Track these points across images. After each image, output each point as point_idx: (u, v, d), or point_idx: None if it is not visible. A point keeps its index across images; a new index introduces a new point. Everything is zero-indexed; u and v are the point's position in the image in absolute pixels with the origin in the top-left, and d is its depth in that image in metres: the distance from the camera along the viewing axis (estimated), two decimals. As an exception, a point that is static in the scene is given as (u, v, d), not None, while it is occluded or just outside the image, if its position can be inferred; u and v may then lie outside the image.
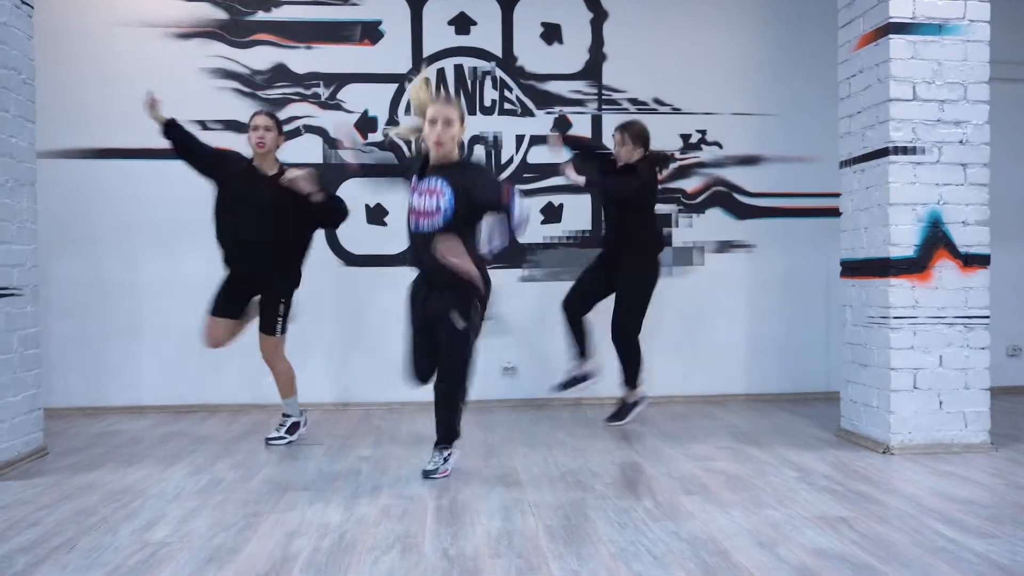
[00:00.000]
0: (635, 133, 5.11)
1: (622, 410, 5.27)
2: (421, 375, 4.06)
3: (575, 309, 5.23)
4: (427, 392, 4.07)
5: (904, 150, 4.44)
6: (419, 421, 5.30)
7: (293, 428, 4.78)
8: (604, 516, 3.32)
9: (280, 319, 4.63)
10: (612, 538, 3.05)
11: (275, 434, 4.75)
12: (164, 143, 4.68)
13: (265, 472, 4.10)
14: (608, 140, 6.15)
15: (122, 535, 3.12)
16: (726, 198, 6.27)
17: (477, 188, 3.76)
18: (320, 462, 4.32)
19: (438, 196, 3.76)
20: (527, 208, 3.73)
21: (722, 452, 4.45)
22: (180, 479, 3.96)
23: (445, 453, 3.99)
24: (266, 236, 4.54)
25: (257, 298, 4.73)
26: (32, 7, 4.53)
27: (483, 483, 3.84)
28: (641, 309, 5.17)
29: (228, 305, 4.71)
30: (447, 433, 4.00)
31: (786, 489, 3.71)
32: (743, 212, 6.28)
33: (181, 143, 4.63)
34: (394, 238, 5.97)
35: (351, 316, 5.97)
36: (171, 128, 4.60)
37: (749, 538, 3.03)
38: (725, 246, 6.26)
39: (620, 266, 5.14)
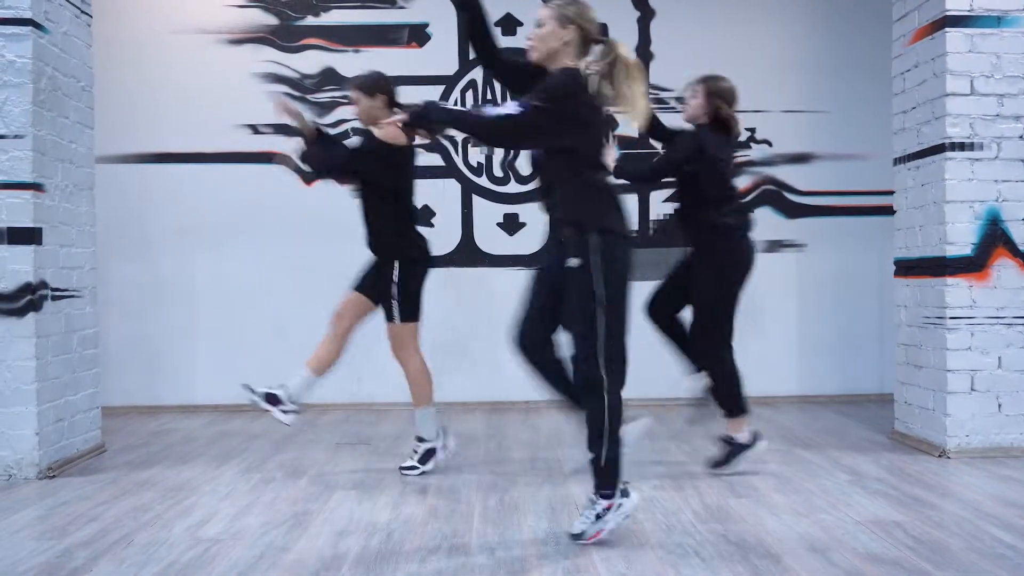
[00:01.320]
0: (713, 88, 4.04)
1: (726, 452, 4.01)
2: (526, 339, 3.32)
3: (657, 311, 4.14)
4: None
5: (961, 146, 4.34)
6: (467, 421, 5.32)
7: (427, 456, 4.03)
8: (651, 518, 3.30)
9: (395, 302, 3.97)
10: (660, 540, 3.02)
11: (408, 463, 4.05)
12: (219, 147, 4.73)
13: (314, 471, 4.15)
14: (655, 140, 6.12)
15: (176, 531, 3.18)
16: (776, 197, 6.18)
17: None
18: (368, 462, 4.36)
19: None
20: (492, 117, 2.94)
21: (773, 454, 4.38)
22: (232, 477, 4.04)
23: (597, 506, 3.00)
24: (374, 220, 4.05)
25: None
26: (91, 16, 4.66)
27: (530, 484, 3.84)
28: (713, 313, 3.97)
29: (363, 281, 4.13)
30: (598, 472, 3.00)
31: (838, 492, 3.65)
32: (793, 211, 6.19)
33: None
34: (443, 238, 6.01)
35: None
36: (319, 140, 4.09)
37: (800, 542, 2.99)
38: (775, 245, 6.17)
39: (698, 252, 4.03)
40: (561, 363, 3.32)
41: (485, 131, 2.98)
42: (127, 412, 5.89)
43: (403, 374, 4.11)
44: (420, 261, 4.07)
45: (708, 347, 3.99)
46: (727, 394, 4.00)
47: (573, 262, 2.91)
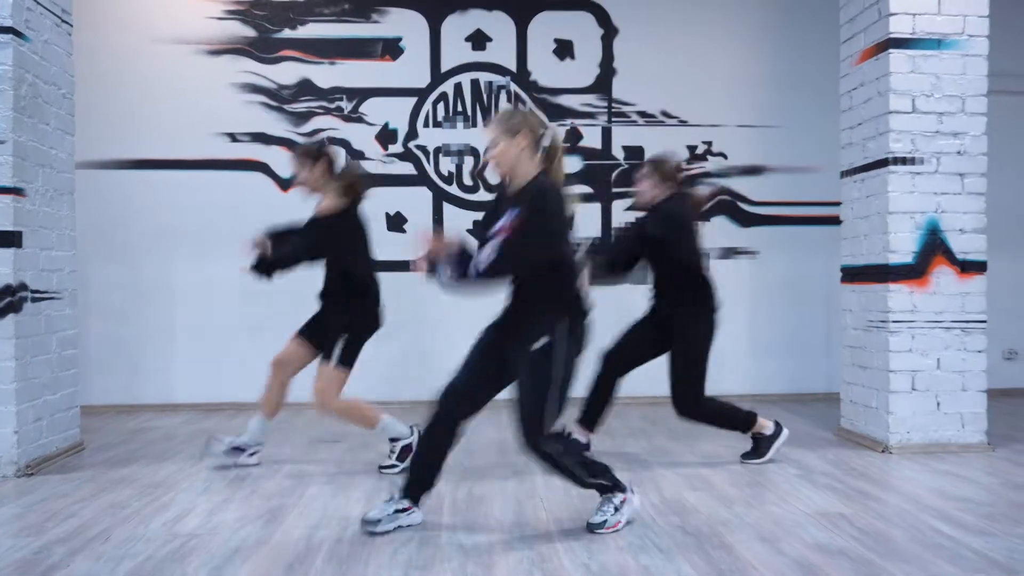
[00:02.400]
0: (662, 169, 4.09)
1: (757, 445, 4.17)
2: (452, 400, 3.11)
3: (613, 362, 4.21)
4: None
5: (903, 160, 4.41)
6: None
7: (404, 453, 3.99)
8: (613, 511, 3.30)
9: (338, 346, 3.88)
10: (621, 531, 3.03)
11: (387, 462, 4.03)
12: (196, 154, 4.67)
13: (290, 467, 4.11)
14: (617, 151, 6.16)
15: (154, 527, 3.13)
16: (731, 207, 6.24)
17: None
18: (342, 457, 4.32)
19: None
20: (486, 264, 2.85)
21: (726, 450, 4.42)
22: (209, 473, 3.98)
23: (613, 500, 3.10)
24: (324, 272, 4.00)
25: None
26: (72, 25, 4.58)
27: (497, 479, 3.84)
28: (703, 363, 4.04)
29: (309, 328, 4.06)
30: (595, 488, 3.14)
31: (788, 486, 3.69)
32: (747, 220, 6.25)
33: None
34: (413, 243, 5.99)
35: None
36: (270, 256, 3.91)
37: (752, 533, 3.01)
38: (730, 252, 6.23)
39: (671, 325, 4.08)
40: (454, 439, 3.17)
41: (485, 281, 2.92)
42: (106, 411, 5.79)
43: (339, 417, 4.01)
44: (370, 328, 3.97)
45: (696, 402, 4.04)
46: (733, 421, 4.12)
47: (538, 344, 2.92)
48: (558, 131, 3.02)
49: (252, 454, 4.13)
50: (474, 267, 2.86)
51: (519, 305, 3.02)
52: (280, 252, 3.85)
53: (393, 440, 4.03)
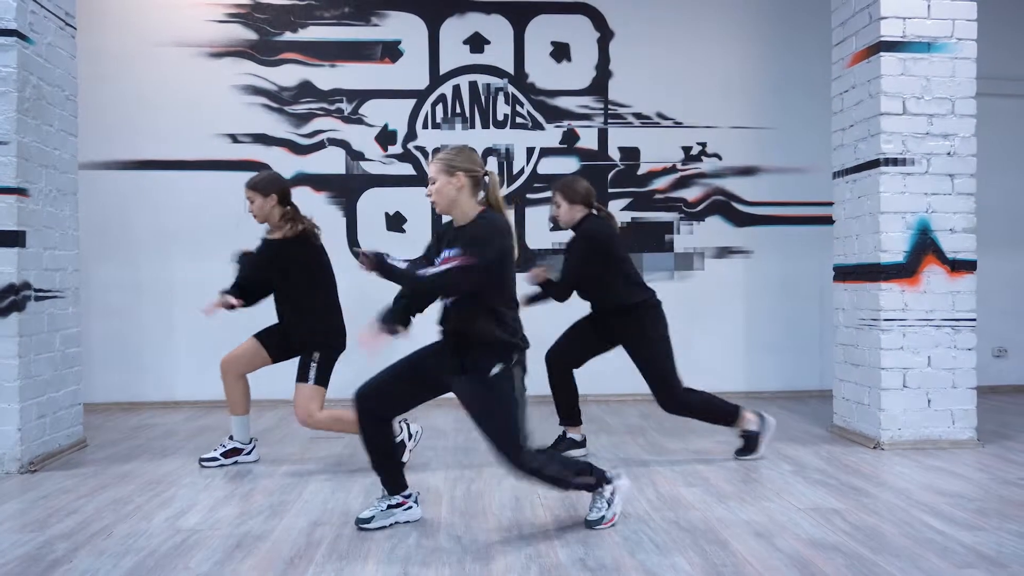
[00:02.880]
0: (570, 192, 4.07)
1: (748, 442, 4.13)
2: (368, 398, 3.15)
3: (556, 360, 4.25)
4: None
5: (894, 161, 4.41)
6: (435, 416, 5.29)
7: (399, 448, 3.85)
8: (609, 507, 3.30)
9: (313, 366, 3.91)
10: (617, 527, 3.03)
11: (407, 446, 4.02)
12: (198, 155, 4.67)
13: (290, 464, 4.10)
14: (613, 152, 6.16)
15: (156, 522, 3.12)
16: (725, 207, 6.24)
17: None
18: (342, 453, 4.32)
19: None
20: (427, 280, 2.94)
21: (721, 447, 4.42)
22: (210, 470, 3.97)
23: (604, 494, 3.10)
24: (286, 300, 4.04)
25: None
26: (75, 28, 4.56)
27: (494, 475, 3.83)
28: (669, 368, 4.01)
29: (274, 340, 4.08)
30: (586, 488, 3.11)
31: (781, 482, 3.69)
32: (741, 220, 6.25)
33: (249, 290, 4.10)
34: (413, 244, 5.98)
35: (371, 317, 5.96)
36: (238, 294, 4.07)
37: (746, 528, 3.01)
38: (724, 252, 6.24)
39: (614, 331, 4.11)
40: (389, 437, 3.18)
41: (425, 287, 3.01)
42: (109, 408, 5.78)
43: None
44: (337, 348, 3.99)
45: (677, 397, 4.00)
46: (715, 415, 4.09)
47: (495, 370, 2.90)
48: (493, 172, 3.07)
49: (249, 452, 4.12)
50: (418, 273, 2.93)
51: (467, 336, 2.96)
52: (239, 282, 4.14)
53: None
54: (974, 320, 4.45)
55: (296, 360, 3.97)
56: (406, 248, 6.03)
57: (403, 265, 2.94)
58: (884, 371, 4.39)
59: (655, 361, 4.00)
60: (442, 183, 2.96)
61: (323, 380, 3.93)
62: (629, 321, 4.03)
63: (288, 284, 3.97)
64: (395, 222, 6.06)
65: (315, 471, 3.95)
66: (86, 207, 4.97)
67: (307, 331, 3.95)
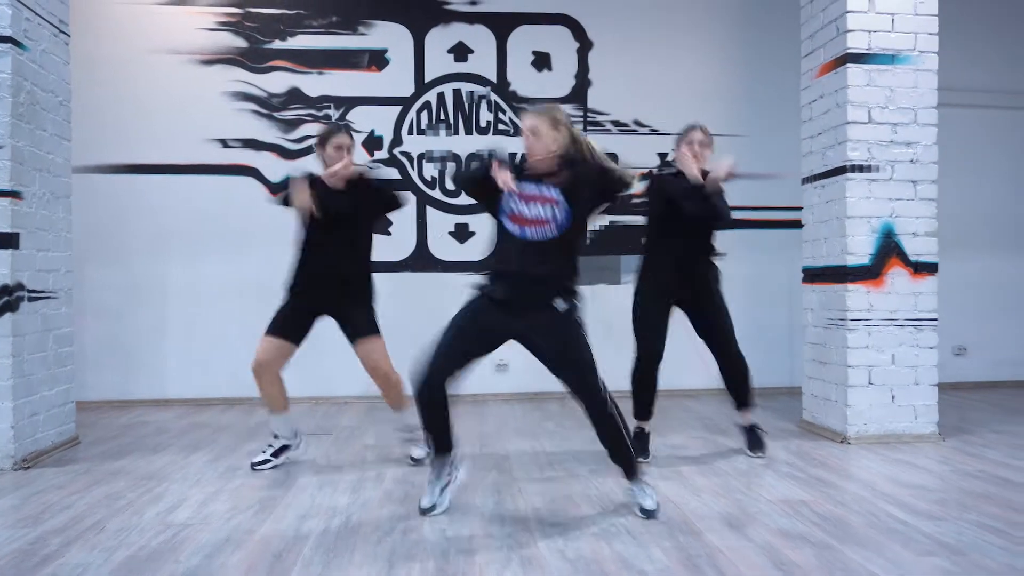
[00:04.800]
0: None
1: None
2: (433, 377, 3.06)
3: (661, 355, 4.08)
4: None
5: (860, 168, 4.45)
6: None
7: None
8: (587, 499, 3.31)
9: (376, 318, 3.88)
10: (595, 519, 3.04)
11: (415, 453, 3.96)
12: (189, 159, 4.62)
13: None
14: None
15: (147, 517, 3.09)
16: (699, 211, 6.26)
17: (587, 185, 3.07)
18: (329, 450, 4.29)
19: (552, 205, 3.02)
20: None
21: (695, 441, 4.44)
22: (201, 466, 3.94)
23: (646, 483, 3.20)
24: (351, 263, 3.86)
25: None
26: (69, 35, 4.51)
27: (478, 469, 3.82)
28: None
29: (290, 327, 3.82)
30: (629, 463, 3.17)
31: (753, 475, 3.71)
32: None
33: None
34: (399, 246, 5.99)
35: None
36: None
37: (719, 520, 3.02)
38: (698, 254, 6.26)
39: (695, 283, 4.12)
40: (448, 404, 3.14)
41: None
42: (101, 406, 5.71)
43: (384, 382, 3.92)
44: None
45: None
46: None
47: (561, 306, 3.01)
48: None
49: (298, 446, 4.01)
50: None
51: (549, 279, 3.03)
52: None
53: (408, 430, 4.00)
54: (936, 320, 4.50)
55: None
56: (390, 251, 6.03)
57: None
58: (851, 369, 4.42)
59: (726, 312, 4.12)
60: (550, 138, 3.07)
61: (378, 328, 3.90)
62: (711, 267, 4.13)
63: (362, 229, 3.86)
64: (381, 224, 6.03)
65: (303, 467, 3.92)
66: (79, 210, 4.91)
67: (367, 280, 3.91)
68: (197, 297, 5.88)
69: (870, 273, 4.45)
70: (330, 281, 3.80)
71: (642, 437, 4.07)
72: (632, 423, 4.01)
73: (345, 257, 3.81)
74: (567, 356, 3.03)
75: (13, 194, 3.91)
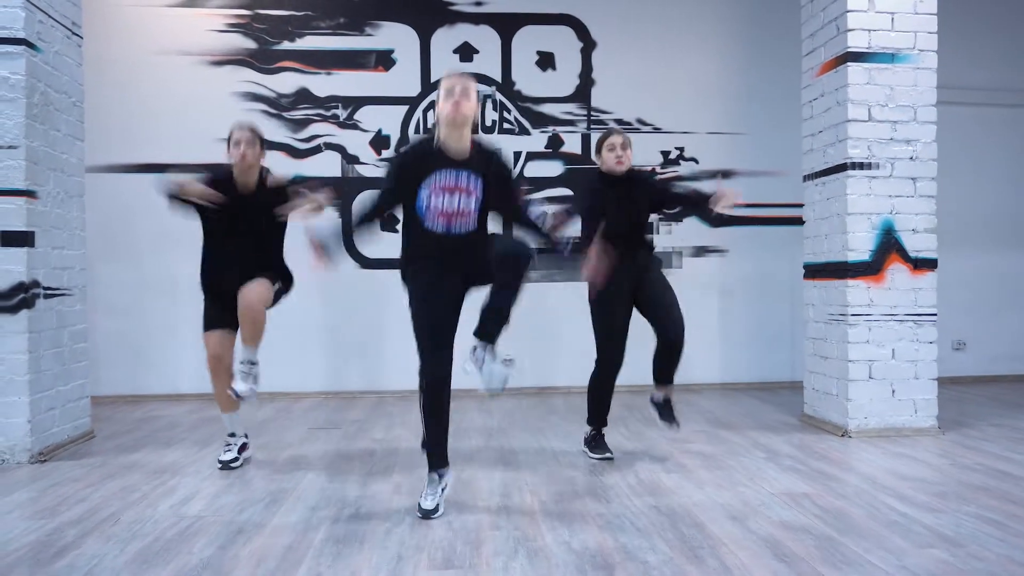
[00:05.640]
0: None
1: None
2: (448, 340, 3.07)
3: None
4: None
5: (860, 165, 4.44)
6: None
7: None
8: (592, 492, 3.32)
9: (278, 282, 3.87)
10: (600, 511, 3.05)
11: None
12: (199, 159, 4.62)
13: (289, 453, 4.09)
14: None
15: (161, 510, 3.11)
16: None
17: (504, 186, 3.11)
18: (339, 444, 4.31)
19: (473, 195, 3.02)
20: (539, 210, 3.24)
21: (698, 435, 4.45)
22: (213, 459, 3.94)
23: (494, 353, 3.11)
24: (256, 250, 3.88)
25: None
26: (81, 37, 4.53)
27: (484, 463, 3.84)
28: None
29: (223, 315, 3.86)
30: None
31: (755, 468, 3.71)
32: (717, 220, 6.27)
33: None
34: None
35: (366, 313, 5.96)
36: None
37: (722, 512, 3.03)
38: (701, 251, 6.26)
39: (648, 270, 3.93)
40: None
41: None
42: (115, 401, 5.74)
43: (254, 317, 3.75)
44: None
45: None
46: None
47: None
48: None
49: (247, 446, 3.96)
50: (541, 219, 3.20)
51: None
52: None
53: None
54: (935, 315, 4.50)
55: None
56: (398, 246, 6.03)
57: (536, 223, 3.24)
58: (851, 363, 4.42)
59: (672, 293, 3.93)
60: (476, 106, 3.01)
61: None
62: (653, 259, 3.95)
63: (273, 226, 3.86)
64: (388, 222, 6.03)
65: (313, 460, 3.94)
66: (92, 209, 4.92)
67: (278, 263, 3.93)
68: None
69: (870, 269, 4.44)
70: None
71: (598, 437, 3.99)
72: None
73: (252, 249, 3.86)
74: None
75: (28, 193, 3.93)
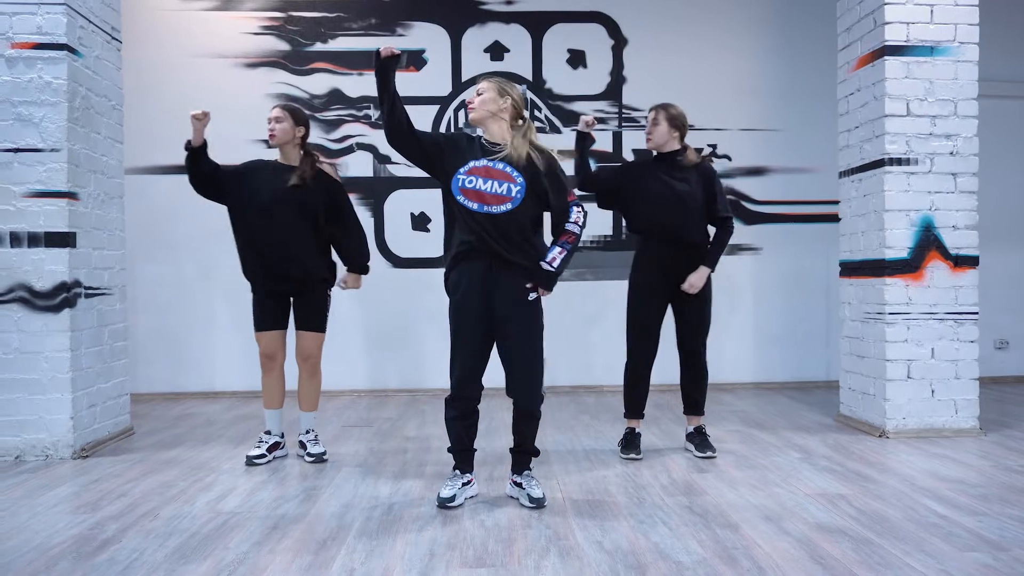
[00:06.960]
0: (673, 115, 4.04)
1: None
2: (477, 382, 3.16)
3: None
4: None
5: (898, 161, 4.36)
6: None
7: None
8: (624, 491, 3.30)
9: (327, 315, 3.95)
10: (632, 511, 3.03)
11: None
12: (235, 159, 4.67)
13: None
14: (628, 155, 6.13)
15: (199, 505, 3.16)
16: (735, 205, 6.18)
17: (549, 187, 3.10)
18: (371, 442, 4.34)
19: (509, 183, 3.03)
20: (583, 219, 3.14)
21: (732, 435, 4.40)
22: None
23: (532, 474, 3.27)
24: (300, 244, 3.83)
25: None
26: (120, 42, 4.62)
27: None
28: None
29: (274, 316, 3.93)
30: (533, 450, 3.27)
31: (790, 468, 3.66)
32: (751, 218, 6.21)
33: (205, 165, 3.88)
34: (436, 241, 6.01)
35: (398, 312, 6.00)
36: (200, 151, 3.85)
37: (756, 513, 3.00)
38: (735, 249, 6.19)
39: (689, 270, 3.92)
40: None
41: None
42: (153, 398, 5.85)
43: (306, 381, 3.97)
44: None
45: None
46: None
47: (533, 295, 3.14)
48: (532, 122, 3.25)
49: (283, 447, 4.02)
50: (576, 228, 3.12)
51: (513, 260, 3.07)
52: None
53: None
54: (976, 313, 4.40)
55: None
56: (429, 245, 6.06)
57: (561, 256, 3.10)
58: (889, 363, 4.34)
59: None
60: (489, 97, 3.11)
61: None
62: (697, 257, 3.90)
63: (317, 221, 3.83)
64: (420, 222, 6.08)
65: (346, 457, 3.97)
66: (131, 209, 5.03)
67: (324, 267, 3.91)
68: (243, 292, 5.92)
69: (909, 267, 4.36)
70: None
71: (633, 437, 3.96)
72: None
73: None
74: (525, 343, 3.15)
75: (70, 195, 4.02)
